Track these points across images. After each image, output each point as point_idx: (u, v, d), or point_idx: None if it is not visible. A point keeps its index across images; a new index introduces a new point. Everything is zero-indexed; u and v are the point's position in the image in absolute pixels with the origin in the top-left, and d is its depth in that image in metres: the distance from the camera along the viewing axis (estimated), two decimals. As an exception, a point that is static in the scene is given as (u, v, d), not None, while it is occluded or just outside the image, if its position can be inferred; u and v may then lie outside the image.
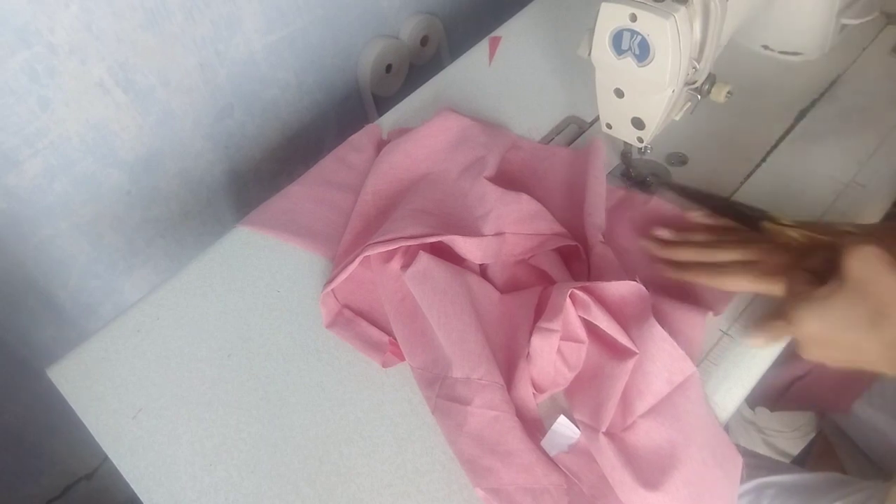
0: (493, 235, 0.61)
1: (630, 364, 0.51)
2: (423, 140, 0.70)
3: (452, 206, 0.64)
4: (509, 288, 0.60)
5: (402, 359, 0.57)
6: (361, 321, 0.61)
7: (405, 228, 0.59)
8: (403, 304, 0.59)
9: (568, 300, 0.52)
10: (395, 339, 0.58)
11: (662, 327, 0.52)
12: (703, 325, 0.55)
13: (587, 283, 0.54)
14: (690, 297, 0.57)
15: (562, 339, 0.53)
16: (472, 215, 0.63)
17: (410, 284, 0.58)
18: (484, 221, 0.61)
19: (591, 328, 0.54)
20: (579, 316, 0.53)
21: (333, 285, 0.59)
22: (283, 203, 0.70)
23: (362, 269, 0.61)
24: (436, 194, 0.66)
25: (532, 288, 0.59)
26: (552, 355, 0.52)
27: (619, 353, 0.53)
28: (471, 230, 0.61)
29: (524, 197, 0.63)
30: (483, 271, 0.62)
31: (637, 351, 0.51)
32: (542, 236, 0.61)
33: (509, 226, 0.62)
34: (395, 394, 0.56)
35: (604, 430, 0.50)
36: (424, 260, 0.58)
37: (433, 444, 0.53)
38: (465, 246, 0.59)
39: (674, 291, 0.58)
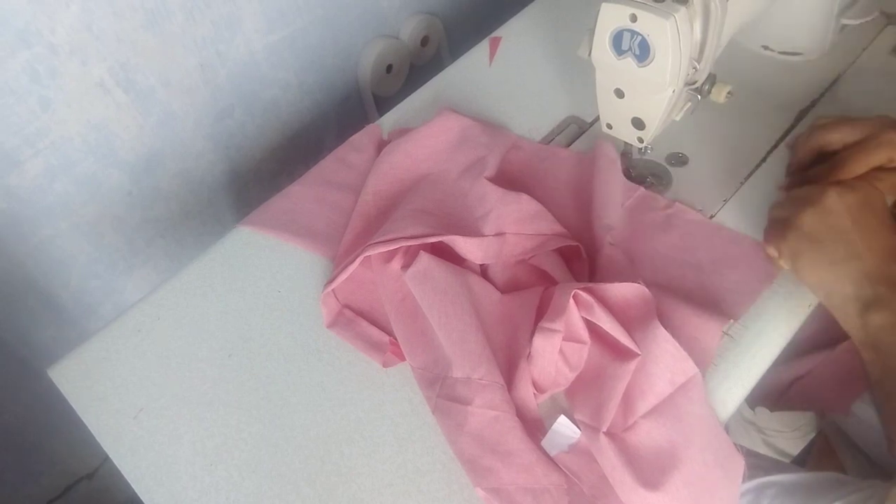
0: (493, 236, 0.61)
1: (632, 365, 0.51)
2: (423, 140, 0.70)
3: (453, 206, 0.64)
4: (510, 288, 0.60)
5: (403, 359, 0.57)
6: (362, 321, 0.61)
7: (405, 228, 0.59)
8: (404, 304, 0.59)
9: (571, 301, 0.52)
10: (396, 339, 0.58)
11: (678, 333, 0.52)
12: (720, 334, 0.55)
13: (590, 284, 0.54)
14: (709, 305, 0.57)
15: (564, 339, 0.53)
16: (472, 215, 0.63)
17: (411, 284, 0.58)
18: (484, 221, 0.62)
19: (593, 329, 0.54)
20: (582, 317, 0.53)
21: (334, 285, 0.59)
22: (283, 203, 0.70)
23: (363, 270, 0.61)
24: (436, 194, 0.66)
25: (533, 288, 0.59)
26: (554, 355, 0.52)
27: (621, 353, 0.53)
28: (471, 230, 0.61)
29: (524, 197, 0.63)
30: (484, 271, 0.62)
31: (639, 352, 0.51)
32: (542, 236, 0.61)
33: (510, 226, 0.62)
34: (395, 394, 0.57)
35: (604, 429, 0.50)
36: (425, 260, 0.58)
37: (434, 444, 0.53)
38: (466, 246, 0.59)
39: (692, 298, 0.57)
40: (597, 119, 0.71)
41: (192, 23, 0.78)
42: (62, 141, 0.74)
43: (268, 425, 0.56)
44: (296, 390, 0.58)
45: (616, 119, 0.63)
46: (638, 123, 0.60)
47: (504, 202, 0.63)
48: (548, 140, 0.74)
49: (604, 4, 0.54)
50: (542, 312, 0.55)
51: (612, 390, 0.51)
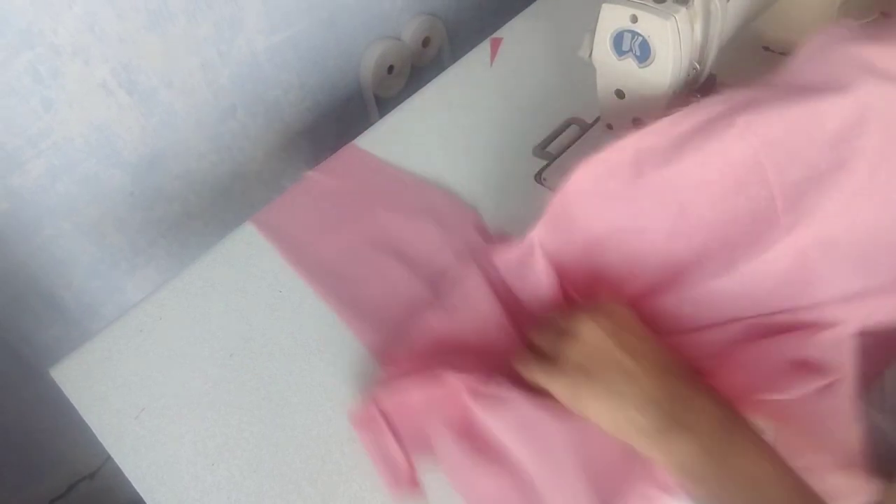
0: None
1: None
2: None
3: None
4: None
5: (416, 487, 0.52)
6: (390, 437, 0.53)
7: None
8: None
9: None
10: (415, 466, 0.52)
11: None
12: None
13: None
14: None
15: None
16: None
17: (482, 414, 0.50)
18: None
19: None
20: None
21: (384, 399, 0.53)
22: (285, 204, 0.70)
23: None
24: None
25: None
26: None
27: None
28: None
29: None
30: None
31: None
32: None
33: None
34: (396, 393, 0.57)
35: None
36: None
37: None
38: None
39: None
40: (598, 120, 0.71)
41: (194, 24, 0.78)
42: (64, 141, 0.75)
43: (269, 425, 0.56)
44: (297, 390, 0.58)
45: (617, 120, 0.63)
46: (639, 124, 0.60)
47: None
48: (548, 141, 0.74)
49: (604, 5, 0.54)
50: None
51: None
